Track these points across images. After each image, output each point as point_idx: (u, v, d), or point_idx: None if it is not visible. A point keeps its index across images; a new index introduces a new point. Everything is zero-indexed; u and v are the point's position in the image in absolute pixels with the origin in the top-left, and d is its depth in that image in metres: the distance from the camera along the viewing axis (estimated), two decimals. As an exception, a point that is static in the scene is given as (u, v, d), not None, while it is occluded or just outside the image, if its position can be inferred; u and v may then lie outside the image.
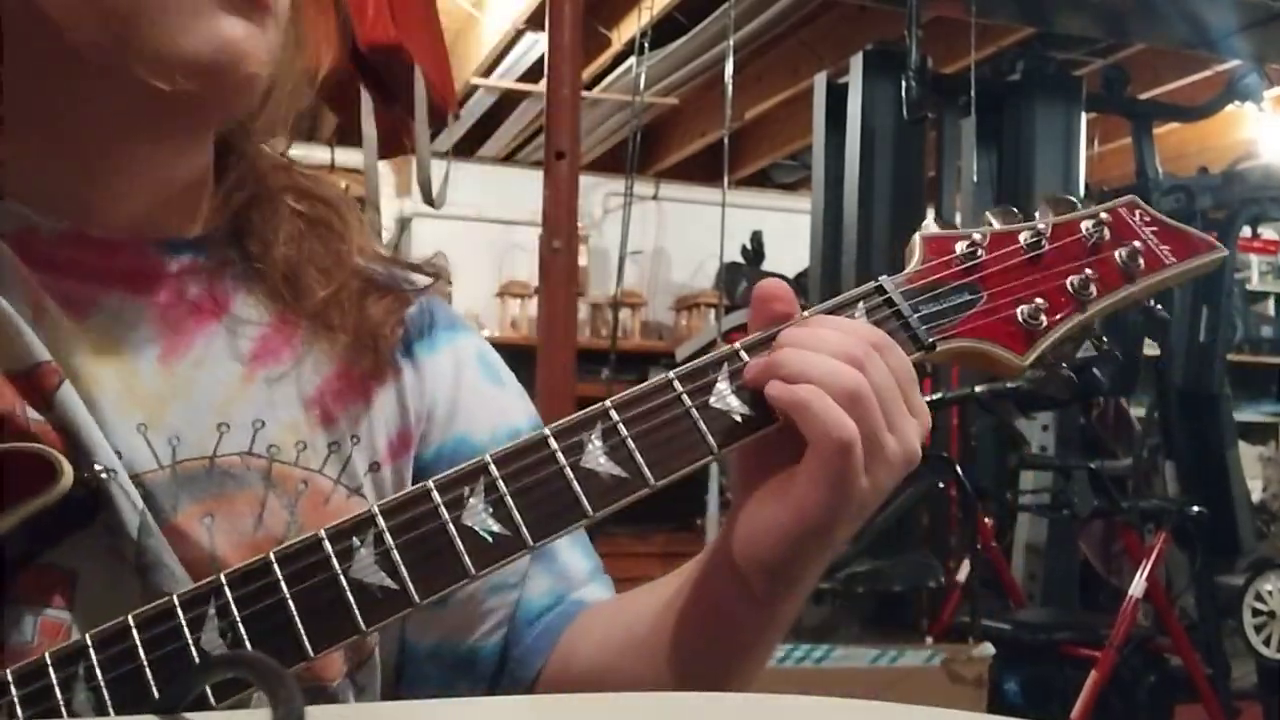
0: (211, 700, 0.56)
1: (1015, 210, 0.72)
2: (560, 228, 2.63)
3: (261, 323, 0.75)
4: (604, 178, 6.05)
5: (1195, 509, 3.44)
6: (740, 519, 0.65)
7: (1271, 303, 7.15)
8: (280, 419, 0.73)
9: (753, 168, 6.22)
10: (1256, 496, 5.42)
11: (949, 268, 0.69)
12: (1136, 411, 4.59)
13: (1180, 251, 0.72)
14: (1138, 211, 0.73)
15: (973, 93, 3.67)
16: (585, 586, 0.83)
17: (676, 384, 0.63)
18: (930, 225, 0.71)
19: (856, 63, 3.98)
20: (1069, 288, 0.69)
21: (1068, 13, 4.07)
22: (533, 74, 4.85)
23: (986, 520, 3.63)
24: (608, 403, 0.63)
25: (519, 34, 4.61)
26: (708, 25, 4.50)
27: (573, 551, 0.83)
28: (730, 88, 3.86)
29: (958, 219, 4.17)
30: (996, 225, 0.71)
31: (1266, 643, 3.47)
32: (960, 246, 0.69)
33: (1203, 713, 3.41)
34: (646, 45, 3.85)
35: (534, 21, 4.33)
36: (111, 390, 0.69)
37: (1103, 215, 0.72)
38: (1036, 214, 0.72)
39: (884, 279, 0.68)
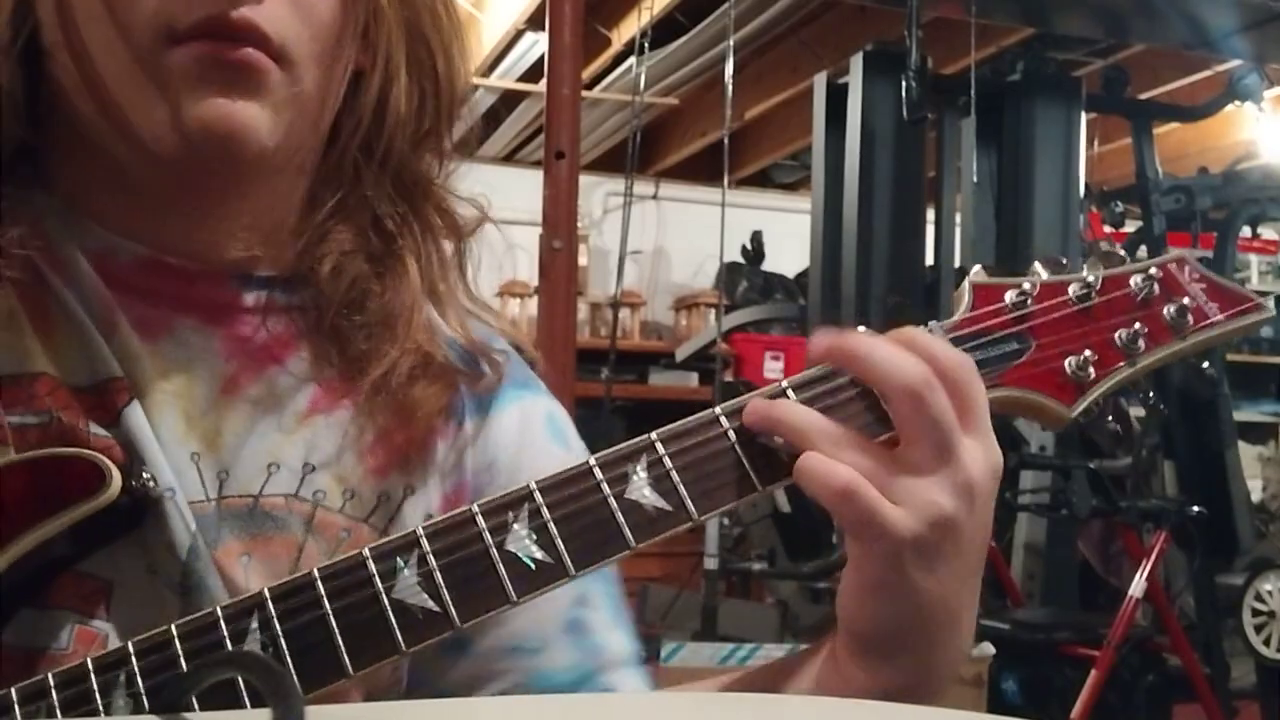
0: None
1: (1063, 260, 0.72)
2: (560, 227, 2.64)
3: (334, 372, 0.74)
4: (604, 177, 6.05)
5: (1194, 509, 3.44)
6: (842, 582, 0.65)
7: (1271, 303, 7.14)
8: (331, 465, 0.72)
9: (753, 168, 6.22)
10: (1256, 496, 5.42)
11: (998, 315, 0.69)
12: (1136, 411, 4.59)
13: (1227, 308, 0.73)
14: (1187, 268, 0.74)
15: (973, 93, 3.67)
16: (617, 670, 0.79)
17: (723, 420, 0.63)
18: (979, 272, 0.71)
19: (856, 63, 3.97)
20: (1117, 341, 0.70)
21: (1068, 13, 4.07)
22: (533, 74, 4.86)
23: (986, 520, 3.63)
24: (653, 435, 0.63)
25: (519, 34, 4.61)
26: (708, 25, 4.50)
27: (612, 631, 0.80)
28: (730, 88, 3.87)
29: (957, 219, 4.18)
30: (1045, 275, 0.71)
31: (1266, 643, 3.46)
32: (1010, 295, 0.69)
33: (1201, 712, 3.41)
34: (646, 45, 3.85)
35: (534, 21, 4.33)
36: (171, 416, 0.69)
37: (1152, 270, 0.73)
38: (1085, 266, 0.73)
39: (934, 324, 0.68)
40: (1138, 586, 3.25)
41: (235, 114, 0.64)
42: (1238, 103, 4.31)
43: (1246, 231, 4.49)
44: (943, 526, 0.60)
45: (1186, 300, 0.72)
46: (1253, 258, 6.79)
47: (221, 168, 0.67)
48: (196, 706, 0.55)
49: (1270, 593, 3.49)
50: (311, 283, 0.74)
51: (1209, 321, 0.72)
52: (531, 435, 0.81)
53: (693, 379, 5.82)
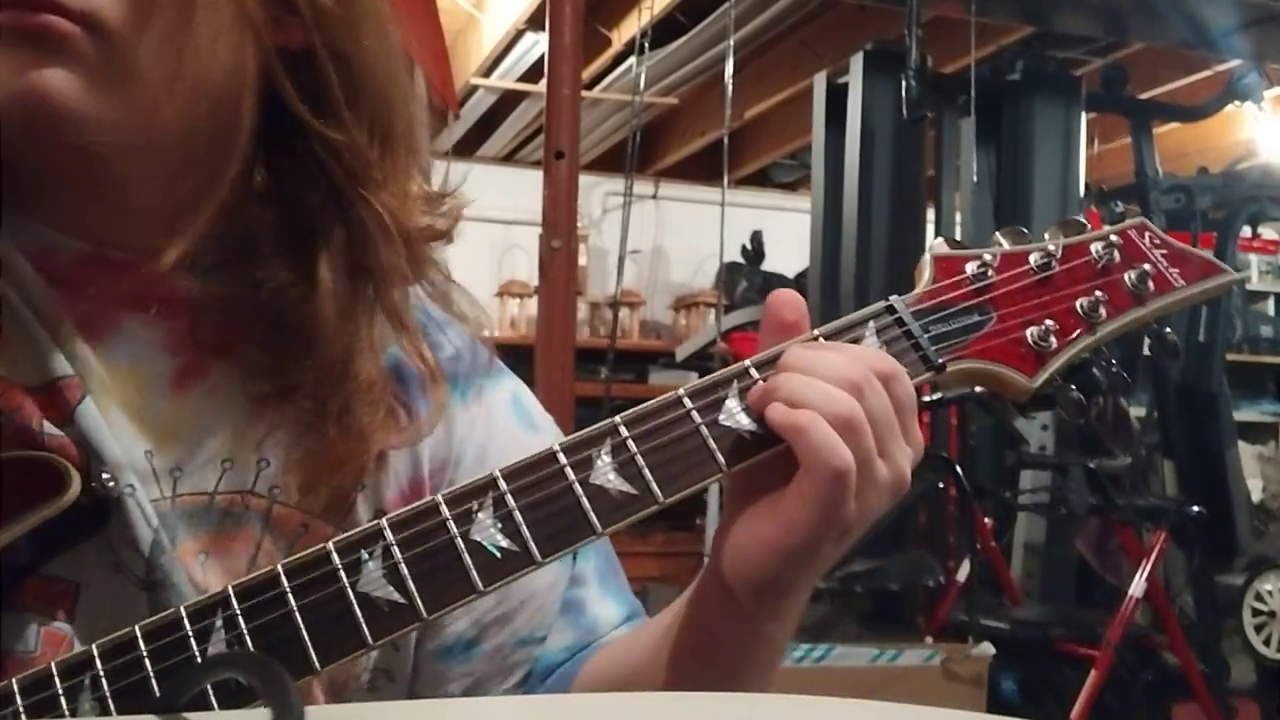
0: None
1: (1025, 230, 0.72)
2: (560, 227, 2.64)
3: (272, 360, 0.72)
4: (604, 177, 6.05)
5: (1194, 508, 3.44)
6: (730, 535, 0.65)
7: (1271, 302, 7.15)
8: (285, 459, 0.71)
9: (752, 167, 6.22)
10: (1255, 496, 5.41)
11: (960, 288, 0.69)
12: (1135, 410, 4.59)
13: (1189, 274, 0.73)
14: (1147, 234, 0.74)
15: (972, 92, 3.67)
16: (612, 634, 0.81)
17: (686, 401, 0.63)
18: (940, 245, 0.71)
19: (856, 62, 3.98)
20: (1079, 310, 0.69)
21: (1068, 12, 4.07)
22: (533, 74, 4.85)
23: (985, 519, 3.63)
24: (617, 419, 0.62)
25: (519, 34, 4.61)
26: (708, 25, 4.49)
27: (604, 602, 0.81)
28: (730, 88, 3.86)
29: (957, 218, 4.18)
30: (1006, 245, 0.71)
31: (1266, 642, 3.47)
32: (971, 267, 0.69)
33: (1199, 711, 3.41)
34: (646, 45, 3.85)
35: (534, 21, 4.33)
36: (122, 415, 0.68)
37: (1112, 237, 0.72)
38: (1046, 235, 0.72)
39: (894, 299, 0.68)
40: (1137, 586, 3.25)
41: (39, 82, 0.62)
42: (1238, 102, 4.31)
43: (1246, 231, 4.49)
44: (871, 518, 0.63)
45: (1147, 266, 0.72)
46: (1253, 257, 6.78)
47: (50, 139, 0.64)
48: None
49: (1270, 592, 3.49)
50: (251, 274, 0.72)
51: (1171, 287, 0.72)
52: (498, 422, 0.80)
53: (692, 379, 5.77)
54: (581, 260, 5.50)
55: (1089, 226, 0.73)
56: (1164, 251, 0.73)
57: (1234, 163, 4.69)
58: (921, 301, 0.68)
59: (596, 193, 6.21)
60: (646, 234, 6.30)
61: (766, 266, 6.24)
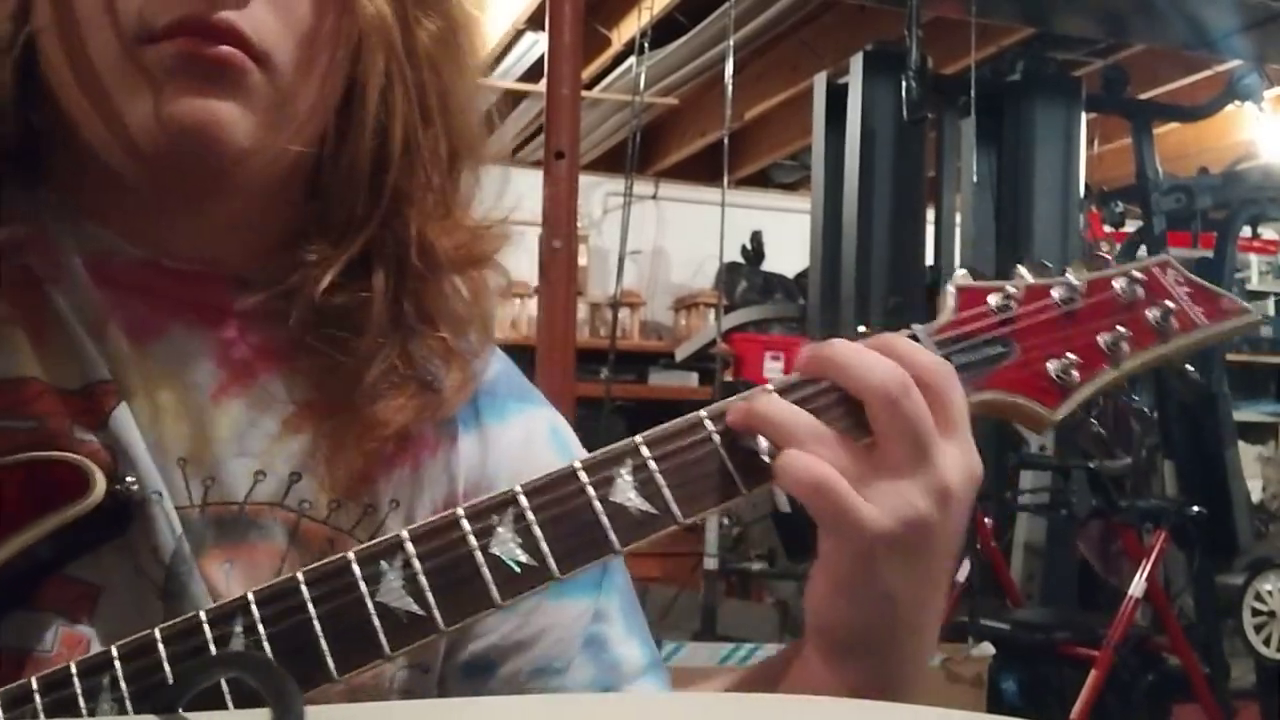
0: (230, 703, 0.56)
1: (1048, 265, 0.72)
2: (560, 227, 2.64)
3: (312, 378, 0.73)
4: (604, 177, 6.05)
5: (1194, 509, 3.44)
6: (809, 582, 0.65)
7: (1271, 302, 7.16)
8: (317, 475, 0.71)
9: (753, 168, 6.22)
10: (1256, 496, 5.42)
11: (982, 319, 0.69)
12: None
13: (1212, 313, 0.73)
14: (1170, 271, 0.74)
15: (973, 93, 3.67)
16: (636, 680, 0.79)
17: (708, 423, 0.63)
18: (964, 276, 0.71)
19: (856, 63, 3.98)
20: (1101, 345, 0.69)
21: (1068, 13, 4.07)
22: (533, 74, 4.85)
23: (985, 520, 3.64)
24: (638, 438, 0.62)
25: (519, 34, 4.61)
26: (708, 25, 4.50)
27: (628, 643, 0.80)
28: (730, 88, 3.87)
29: (957, 219, 4.18)
30: (1029, 279, 0.71)
31: (1266, 642, 3.47)
32: (994, 299, 0.69)
33: (1200, 712, 3.41)
34: (646, 45, 3.85)
35: (534, 21, 4.33)
36: (160, 420, 0.69)
37: (1136, 274, 0.72)
38: (1068, 270, 0.72)
39: (917, 327, 0.68)
40: (1138, 586, 3.25)
41: (213, 111, 0.64)
42: (1238, 103, 4.32)
43: (1246, 231, 4.49)
44: (915, 527, 0.60)
45: (1170, 303, 0.72)
46: (1253, 258, 6.79)
47: (200, 166, 0.66)
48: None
49: (1270, 592, 3.49)
50: (303, 293, 0.73)
51: (1194, 325, 0.72)
52: (536, 450, 0.80)
53: (692, 379, 5.83)
54: (582, 260, 5.50)
55: (1113, 263, 0.73)
56: (1188, 290, 0.73)
57: (1234, 163, 4.69)
58: (944, 331, 0.68)
59: (597, 193, 6.21)
60: (647, 234, 6.30)
61: (766, 267, 6.24)
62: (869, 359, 0.62)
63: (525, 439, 0.80)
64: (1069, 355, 0.69)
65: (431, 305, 0.75)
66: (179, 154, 0.65)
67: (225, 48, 0.63)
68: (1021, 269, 0.72)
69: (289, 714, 0.45)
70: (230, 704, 0.56)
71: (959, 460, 0.62)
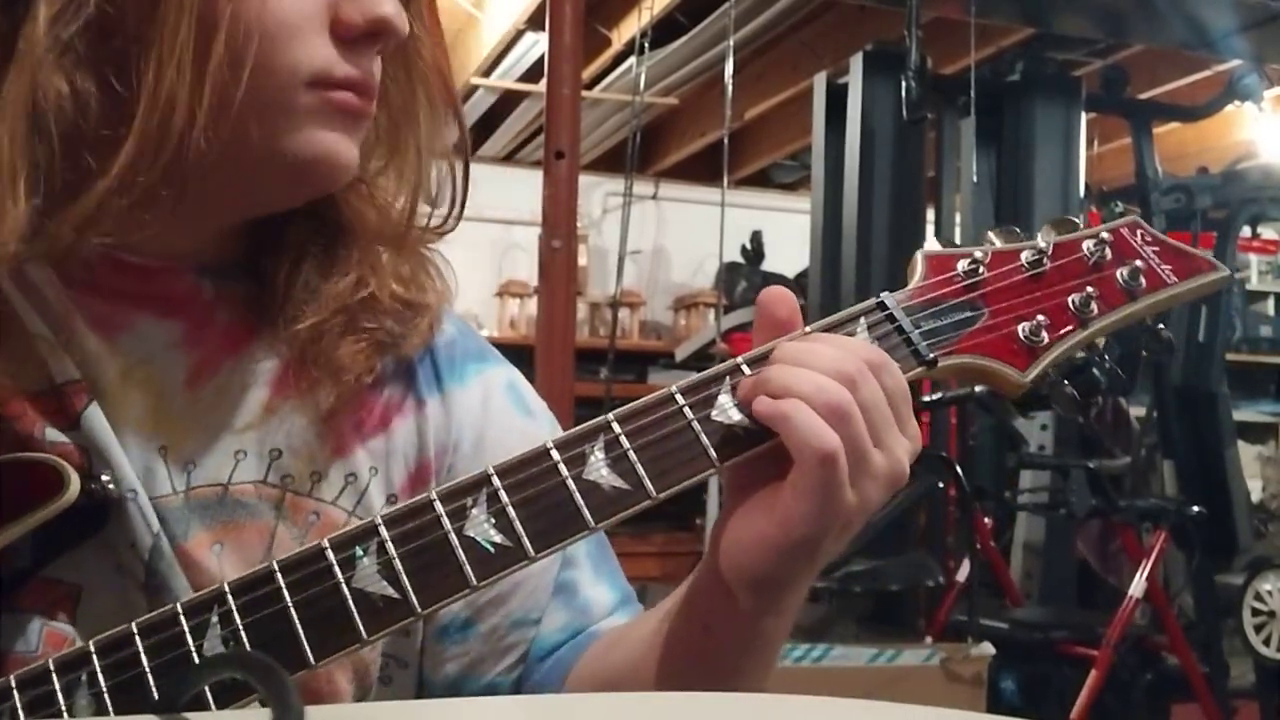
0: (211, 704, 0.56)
1: (1017, 229, 0.73)
2: (560, 227, 2.64)
3: (287, 352, 0.75)
4: (604, 177, 6.05)
5: (1194, 508, 3.44)
6: (727, 530, 0.66)
7: (1271, 302, 7.15)
8: (297, 449, 0.73)
9: (753, 168, 6.22)
10: (1255, 496, 5.42)
11: (950, 285, 0.69)
12: (1135, 411, 4.59)
13: (1182, 271, 0.73)
14: (1139, 231, 0.74)
15: (972, 93, 3.67)
16: (607, 619, 0.82)
17: (679, 397, 0.63)
18: (932, 243, 0.71)
19: (856, 63, 3.98)
20: (1070, 306, 0.70)
21: (1067, 13, 4.07)
22: (533, 74, 4.86)
23: (985, 519, 3.64)
24: (610, 415, 0.63)
25: (519, 34, 4.61)
26: (708, 25, 4.50)
27: (597, 586, 0.83)
28: (730, 88, 3.87)
29: (957, 219, 4.18)
30: (998, 243, 0.71)
31: (1266, 642, 3.47)
32: (962, 264, 0.70)
33: (1199, 712, 3.41)
34: (646, 45, 3.85)
35: (534, 21, 4.33)
36: (136, 412, 0.70)
37: (1104, 234, 0.73)
38: (1038, 233, 0.72)
39: (885, 295, 0.68)
40: (1137, 586, 3.25)
41: (348, 148, 0.71)
42: (1237, 103, 4.31)
43: (1246, 231, 4.49)
44: (870, 511, 0.63)
45: (1139, 263, 0.72)
46: (1253, 258, 6.78)
47: (313, 190, 0.72)
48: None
49: (1269, 592, 3.49)
50: (266, 273, 0.76)
51: (1163, 283, 0.72)
52: (494, 408, 0.82)
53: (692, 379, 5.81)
54: (581, 260, 5.50)
55: (1081, 225, 0.73)
56: (1156, 249, 0.73)
57: (1234, 163, 4.69)
58: (913, 298, 0.68)
59: (596, 193, 6.21)
60: (646, 234, 6.30)
61: (766, 267, 6.24)
62: (810, 422, 0.61)
63: (483, 398, 0.82)
64: (1038, 317, 0.69)
65: (379, 270, 0.78)
66: (309, 178, 0.70)
67: (371, 105, 0.72)
68: (990, 234, 0.72)
69: (289, 714, 0.45)
70: (212, 703, 0.56)
71: (908, 447, 0.64)
